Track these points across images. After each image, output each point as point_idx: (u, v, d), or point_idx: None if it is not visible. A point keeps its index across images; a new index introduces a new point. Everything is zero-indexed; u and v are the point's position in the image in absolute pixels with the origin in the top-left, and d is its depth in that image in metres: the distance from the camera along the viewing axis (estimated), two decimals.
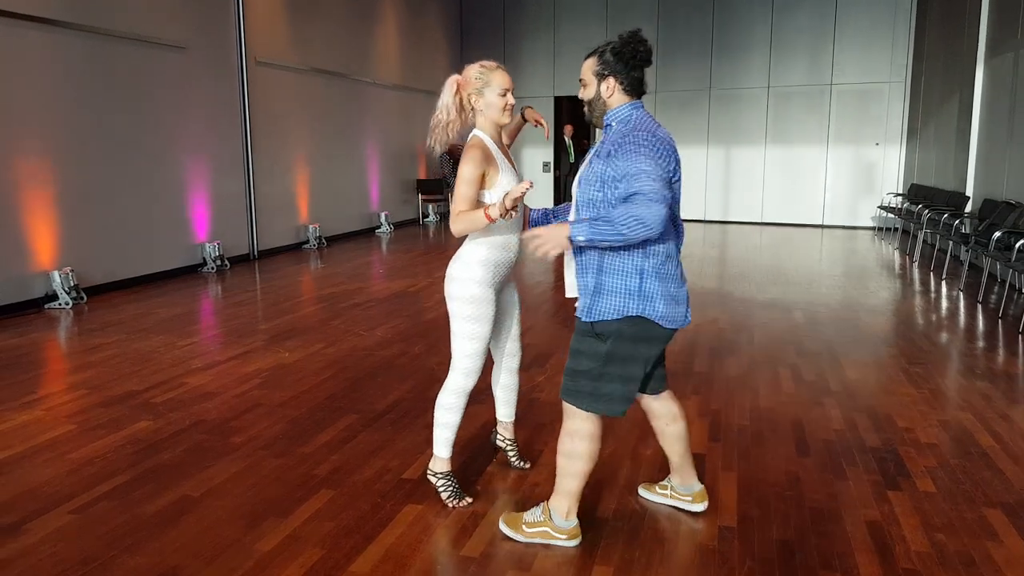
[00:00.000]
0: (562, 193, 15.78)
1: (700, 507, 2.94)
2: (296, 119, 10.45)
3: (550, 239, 2.41)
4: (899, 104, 12.87)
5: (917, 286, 7.98)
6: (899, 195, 12.15)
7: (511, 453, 3.36)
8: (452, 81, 2.86)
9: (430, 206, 13.93)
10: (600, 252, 2.52)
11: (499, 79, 2.81)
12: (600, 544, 2.73)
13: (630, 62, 2.56)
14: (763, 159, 13.80)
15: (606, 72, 2.57)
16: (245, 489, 3.17)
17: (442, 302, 6.76)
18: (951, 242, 8.43)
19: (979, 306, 6.82)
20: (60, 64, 6.85)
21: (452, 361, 2.95)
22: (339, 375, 4.74)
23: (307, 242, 10.66)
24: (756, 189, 13.95)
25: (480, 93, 2.82)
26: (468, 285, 2.85)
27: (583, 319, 2.59)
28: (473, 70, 2.83)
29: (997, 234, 6.77)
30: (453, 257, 2.95)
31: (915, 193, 11.33)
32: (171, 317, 6.39)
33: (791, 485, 3.22)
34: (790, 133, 13.56)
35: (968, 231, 8.00)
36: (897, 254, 10.26)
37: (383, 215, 12.58)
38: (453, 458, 3.09)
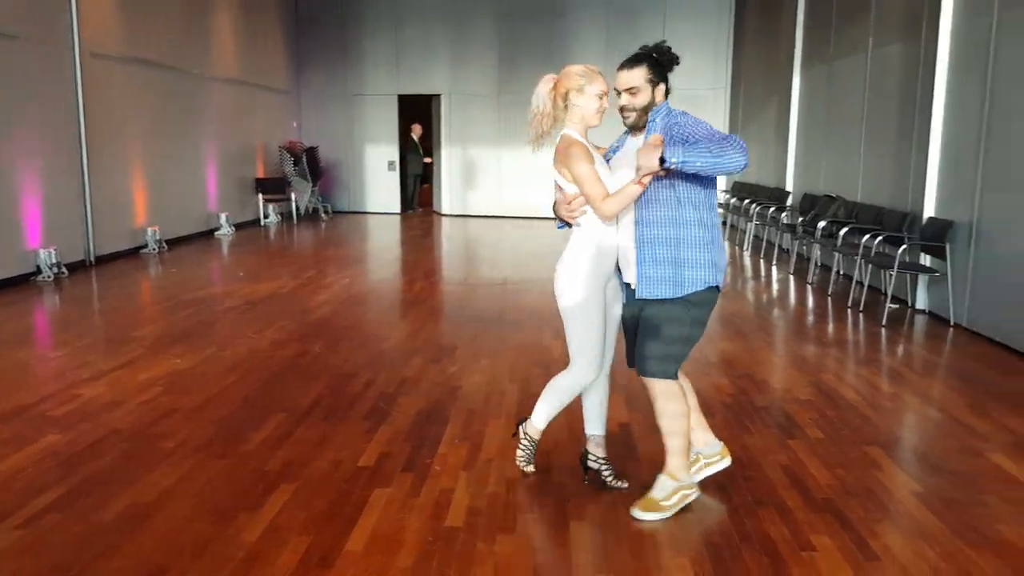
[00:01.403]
0: (410, 192, 15.86)
1: (728, 460, 3.20)
2: (132, 115, 9.78)
3: (645, 164, 2.65)
4: (721, 109, 14.12)
5: (754, 273, 8.95)
6: (724, 192, 13.38)
7: (606, 473, 3.15)
8: (549, 78, 2.98)
9: (271, 206, 13.47)
10: (676, 228, 2.81)
11: (600, 83, 2.93)
12: (571, 500, 2.99)
13: (670, 68, 2.90)
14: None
15: (658, 79, 2.87)
16: (201, 489, 3.11)
17: (326, 303, 6.75)
18: (779, 232, 9.52)
19: (809, 287, 7.81)
20: None
21: (569, 350, 3.05)
22: (247, 377, 4.65)
23: (146, 246, 10.01)
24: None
25: (581, 91, 2.91)
26: (577, 280, 2.93)
27: (672, 296, 2.83)
28: (577, 68, 2.94)
29: (822, 223, 7.75)
30: (561, 256, 3.02)
31: (738, 190, 12.53)
32: (25, 329, 5.87)
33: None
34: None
35: (791, 222, 9.07)
36: (727, 245, 11.37)
37: (223, 216, 12.03)
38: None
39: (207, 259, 9.69)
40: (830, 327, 6.28)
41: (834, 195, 8.30)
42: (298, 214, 13.99)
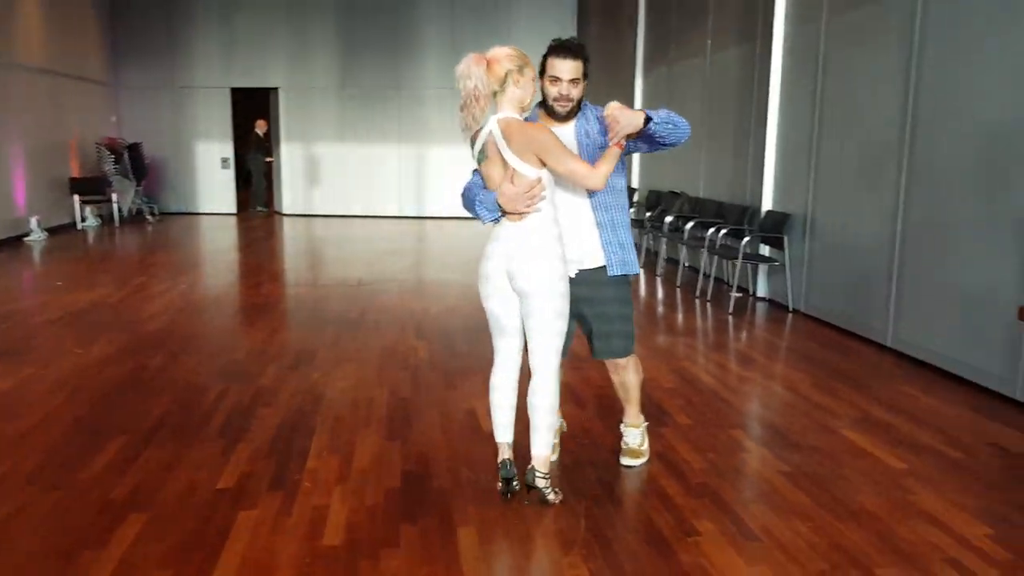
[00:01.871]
0: (258, 192, 15.02)
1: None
2: None
3: (627, 122, 2.68)
4: None
5: None
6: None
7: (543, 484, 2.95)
8: (478, 57, 2.73)
9: (88, 208, 12.24)
10: (620, 211, 2.98)
11: (533, 68, 2.83)
12: (453, 504, 2.86)
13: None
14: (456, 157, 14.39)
15: (587, 73, 2.88)
16: (35, 527, 2.70)
17: (161, 313, 6.19)
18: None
19: (658, 279, 8.11)
20: None
21: (538, 360, 2.86)
22: (75, 397, 4.13)
23: None
24: (449, 186, 14.50)
25: (521, 73, 2.75)
26: (554, 266, 2.79)
27: (622, 272, 3.01)
28: (511, 50, 2.77)
29: (669, 218, 8.07)
30: (521, 245, 2.78)
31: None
32: None
33: (585, 435, 3.65)
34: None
35: (638, 218, 9.38)
36: None
37: (34, 220, 10.81)
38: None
39: (14, 268, 8.66)
40: (680, 317, 6.54)
41: (678, 191, 8.67)
42: (121, 216, 12.82)
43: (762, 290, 6.92)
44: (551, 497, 2.88)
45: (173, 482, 3.07)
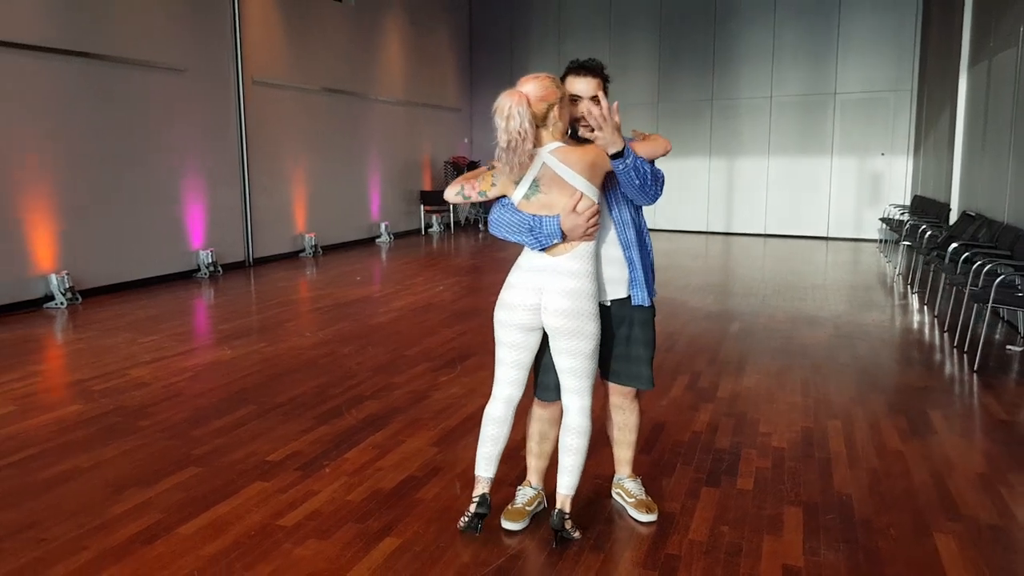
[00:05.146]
0: None
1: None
2: (293, 134, 11.02)
3: (611, 140, 2.66)
4: (905, 113, 12.77)
5: (880, 300, 8.05)
6: (901, 207, 12.07)
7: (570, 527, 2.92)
8: (520, 97, 2.60)
9: (433, 217, 14.36)
10: (646, 237, 2.95)
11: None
12: (370, 518, 3.07)
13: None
14: (766, 169, 13.83)
15: (607, 92, 2.82)
16: (128, 463, 3.60)
17: (393, 310, 7.18)
18: (922, 256, 8.46)
19: (932, 323, 6.88)
20: (59, 88, 7.50)
21: (574, 399, 2.83)
22: (262, 371, 5.16)
23: (303, 250, 11.20)
24: (759, 200, 13.98)
25: (561, 103, 2.69)
26: (593, 305, 2.77)
27: (648, 304, 2.96)
28: (547, 79, 2.68)
29: (953, 246, 6.61)
30: (559, 279, 2.73)
31: (918, 205, 11.23)
32: (146, 318, 6.92)
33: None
34: (793, 143, 13.58)
35: (935, 246, 7.99)
36: (889, 267, 10.25)
37: (383, 225, 13.08)
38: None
39: (347, 264, 10.59)
40: (907, 371, 5.53)
41: (973, 213, 7.22)
42: (457, 224, 14.82)
43: None
44: (576, 535, 2.89)
45: (242, 449, 3.77)
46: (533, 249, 2.78)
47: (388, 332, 6.36)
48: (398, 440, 3.90)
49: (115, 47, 8.05)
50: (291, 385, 4.84)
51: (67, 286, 7.46)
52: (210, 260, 9.35)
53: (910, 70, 12.60)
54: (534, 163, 2.70)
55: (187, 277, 9.18)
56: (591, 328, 2.75)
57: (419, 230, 14.35)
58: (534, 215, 2.74)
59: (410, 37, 13.80)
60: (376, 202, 13.12)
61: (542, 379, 2.97)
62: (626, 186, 2.77)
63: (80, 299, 7.61)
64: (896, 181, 13.04)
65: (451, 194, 2.86)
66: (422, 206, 14.27)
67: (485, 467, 2.94)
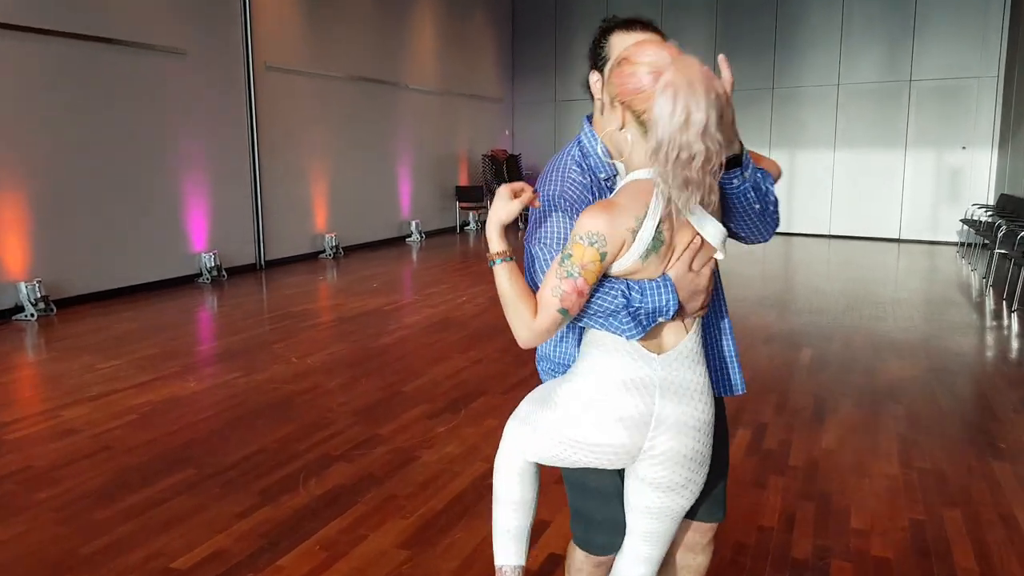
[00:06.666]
0: None
1: None
2: (313, 125, 10.12)
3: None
4: (990, 102, 11.40)
5: (972, 317, 6.80)
6: (985, 207, 10.69)
7: None
8: (711, 80, 1.51)
9: (470, 214, 13.38)
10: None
11: None
12: None
13: None
14: (831, 163, 12.57)
15: None
16: (6, 560, 2.69)
17: (403, 327, 6.21)
18: (1020, 266, 7.17)
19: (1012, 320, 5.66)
20: (34, 71, 6.68)
21: (649, 556, 1.84)
22: (222, 413, 4.22)
23: (323, 252, 10.32)
24: (823, 197, 12.72)
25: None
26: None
27: (741, 391, 1.92)
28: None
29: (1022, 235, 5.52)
30: (688, 388, 1.64)
31: (1004, 204, 9.91)
32: (121, 334, 6.07)
33: None
34: (862, 135, 12.28)
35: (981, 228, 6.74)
36: (975, 276, 8.94)
37: (414, 223, 12.14)
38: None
39: (369, 267, 9.67)
40: None
41: None
42: None
43: None
44: None
45: (145, 547, 2.81)
46: (627, 338, 1.61)
47: (389, 358, 5.39)
48: (358, 535, 2.90)
49: (99, 26, 7.20)
50: (250, 436, 3.88)
51: (39, 295, 6.65)
52: (213, 264, 8.51)
53: (996, 54, 11.25)
54: (654, 195, 1.54)
55: (188, 282, 8.36)
56: (702, 477, 1.72)
57: (454, 228, 13.38)
58: (629, 279, 1.60)
59: (445, 20, 12.80)
60: (407, 198, 12.18)
61: (604, 517, 1.85)
62: (741, 213, 1.70)
63: (55, 310, 6.80)
64: (979, 178, 11.67)
65: (546, 323, 1.58)
66: (457, 202, 13.29)
67: (515, 551, 1.83)
